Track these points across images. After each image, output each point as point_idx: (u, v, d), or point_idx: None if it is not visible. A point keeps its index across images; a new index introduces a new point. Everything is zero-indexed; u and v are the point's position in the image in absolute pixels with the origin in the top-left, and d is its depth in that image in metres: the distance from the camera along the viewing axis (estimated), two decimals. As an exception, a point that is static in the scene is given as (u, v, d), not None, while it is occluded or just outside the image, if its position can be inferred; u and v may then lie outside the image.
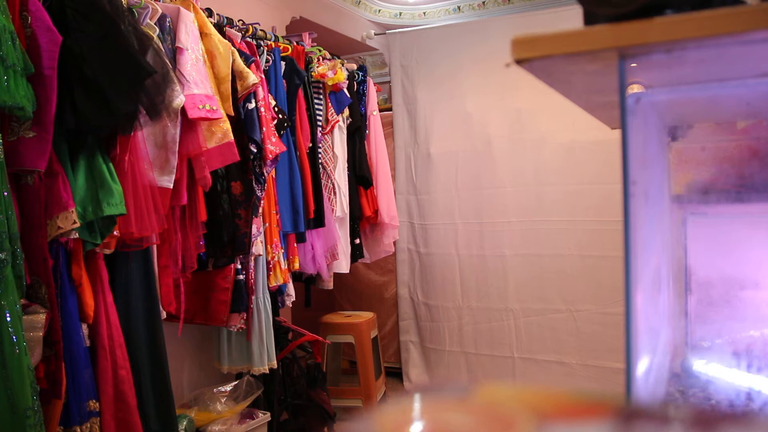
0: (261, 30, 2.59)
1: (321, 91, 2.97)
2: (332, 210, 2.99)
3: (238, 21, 2.50)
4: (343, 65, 3.09)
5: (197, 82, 1.97)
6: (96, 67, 1.57)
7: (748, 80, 0.85)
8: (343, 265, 3.05)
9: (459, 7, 4.31)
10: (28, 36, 1.48)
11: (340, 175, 3.05)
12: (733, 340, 1.12)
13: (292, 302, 2.74)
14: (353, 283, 4.12)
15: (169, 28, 1.97)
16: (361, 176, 3.22)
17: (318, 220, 2.81)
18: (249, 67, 2.28)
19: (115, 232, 1.69)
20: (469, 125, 3.59)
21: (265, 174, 2.38)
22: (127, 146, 1.75)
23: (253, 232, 2.34)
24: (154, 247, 1.94)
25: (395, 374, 3.93)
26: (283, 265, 2.59)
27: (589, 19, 0.70)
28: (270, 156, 2.35)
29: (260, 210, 2.42)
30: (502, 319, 3.53)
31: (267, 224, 2.48)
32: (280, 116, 2.50)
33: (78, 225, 1.56)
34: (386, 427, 0.36)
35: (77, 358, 1.64)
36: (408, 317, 3.87)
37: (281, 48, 2.67)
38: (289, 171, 2.64)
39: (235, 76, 2.24)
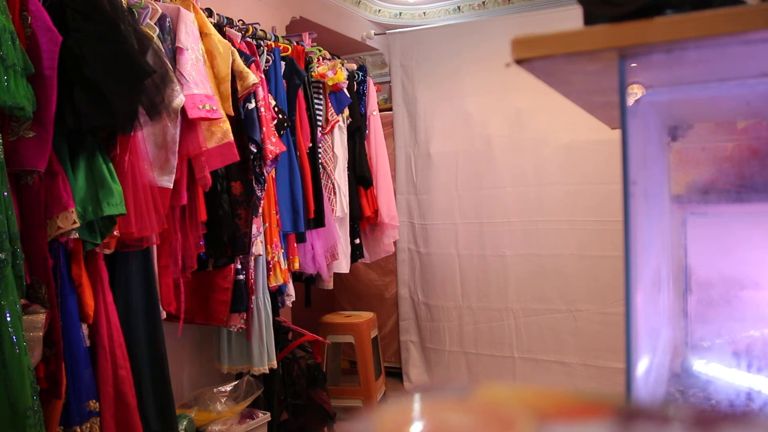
0: (261, 30, 2.59)
1: (321, 91, 2.97)
2: (332, 210, 2.99)
3: (238, 21, 2.50)
4: (343, 65, 3.09)
5: (197, 82, 1.97)
6: (96, 67, 1.57)
7: (748, 80, 0.85)
8: (343, 265, 3.05)
9: (459, 7, 4.31)
10: (28, 36, 1.48)
11: (340, 175, 3.05)
12: (733, 340, 1.12)
13: (292, 302, 2.74)
14: (353, 283, 4.12)
15: (169, 28, 1.97)
16: (361, 176, 3.22)
17: (318, 220, 2.81)
18: (249, 67, 2.28)
19: (115, 232, 1.68)
20: (469, 125, 3.59)
21: (265, 174, 2.38)
22: (127, 146, 1.75)
23: (253, 232, 2.34)
24: (154, 247, 1.94)
25: (395, 374, 3.93)
26: (283, 265, 2.59)
27: (589, 19, 0.70)
28: (270, 156, 2.35)
29: (260, 210, 2.42)
30: (502, 319, 3.53)
31: (267, 224, 2.48)
32: (280, 116, 2.50)
33: (78, 225, 1.56)
34: (386, 427, 0.36)
35: (77, 358, 1.64)
36: (408, 317, 3.87)
37: (281, 48, 2.67)
38: (289, 171, 2.64)
39: (235, 76, 2.24)
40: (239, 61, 2.25)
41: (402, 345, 3.88)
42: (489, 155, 3.53)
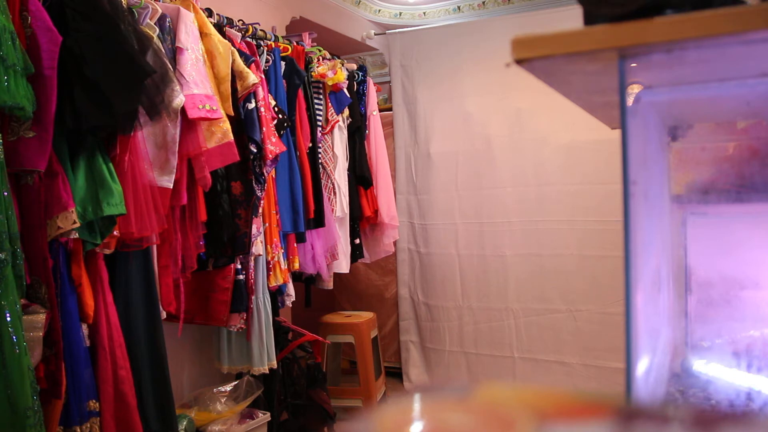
0: (261, 30, 2.59)
1: (321, 91, 2.97)
2: (332, 210, 2.99)
3: (238, 21, 2.50)
4: (343, 65, 3.09)
5: (197, 82, 1.97)
6: (96, 67, 1.57)
7: (748, 80, 0.85)
8: (343, 265, 3.05)
9: (459, 7, 4.31)
10: (28, 36, 1.48)
11: (340, 175, 3.05)
12: (733, 340, 1.12)
13: (292, 302, 2.74)
14: (353, 283, 4.12)
15: (169, 28, 1.97)
16: (361, 176, 3.23)
17: (318, 220, 2.81)
18: (249, 67, 2.28)
19: (115, 232, 1.69)
20: (469, 125, 3.59)
21: (265, 174, 2.38)
22: (127, 146, 1.75)
23: (253, 232, 2.34)
24: (154, 247, 1.94)
25: (395, 374, 3.93)
26: (283, 265, 2.59)
27: (589, 19, 0.70)
28: (270, 156, 2.35)
29: (260, 210, 2.42)
30: (502, 319, 3.53)
31: (267, 224, 2.48)
32: (280, 116, 2.50)
33: (78, 225, 1.56)
34: (386, 427, 0.36)
35: (77, 358, 1.64)
36: (408, 317, 3.87)
37: (281, 48, 2.67)
38: (289, 171, 2.64)
39: (235, 76, 2.24)
40: (239, 61, 2.25)
41: (402, 345, 3.88)
42: (489, 155, 3.53)
